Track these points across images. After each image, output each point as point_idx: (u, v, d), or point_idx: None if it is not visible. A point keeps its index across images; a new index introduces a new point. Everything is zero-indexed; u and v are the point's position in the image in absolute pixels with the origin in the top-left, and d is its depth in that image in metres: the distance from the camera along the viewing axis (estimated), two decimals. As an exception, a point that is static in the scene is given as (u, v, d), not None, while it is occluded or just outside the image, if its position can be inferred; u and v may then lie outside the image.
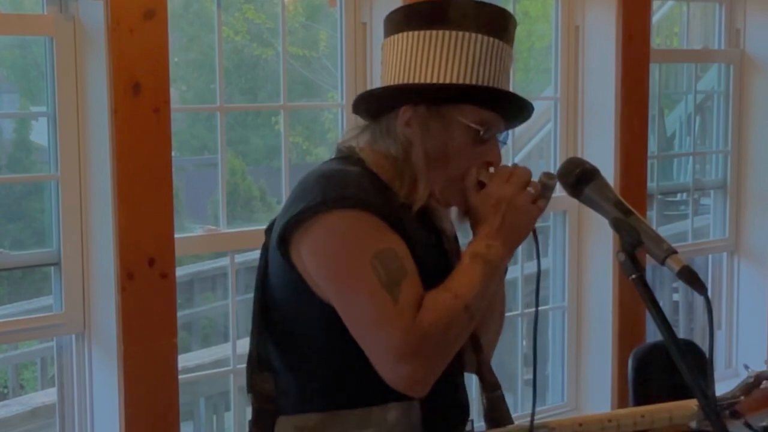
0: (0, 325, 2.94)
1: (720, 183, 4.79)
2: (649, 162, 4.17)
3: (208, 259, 5.69)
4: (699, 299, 4.83)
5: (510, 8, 4.04)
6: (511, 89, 1.84)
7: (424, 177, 1.77)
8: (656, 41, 4.99)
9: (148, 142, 2.84)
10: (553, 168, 3.16)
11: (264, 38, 7.14)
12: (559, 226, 4.13)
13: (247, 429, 1.88)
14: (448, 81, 1.75)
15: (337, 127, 3.55)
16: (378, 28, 3.42)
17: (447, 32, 1.75)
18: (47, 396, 4.41)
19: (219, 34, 3.22)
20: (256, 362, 1.86)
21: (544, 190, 1.77)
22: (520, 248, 3.85)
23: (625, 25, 3.96)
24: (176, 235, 2.91)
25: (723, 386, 4.90)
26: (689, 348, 3.79)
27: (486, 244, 1.74)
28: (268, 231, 1.85)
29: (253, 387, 1.85)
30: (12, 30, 2.97)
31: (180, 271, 4.38)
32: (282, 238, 1.74)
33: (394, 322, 1.65)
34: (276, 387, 1.83)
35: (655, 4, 4.25)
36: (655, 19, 4.54)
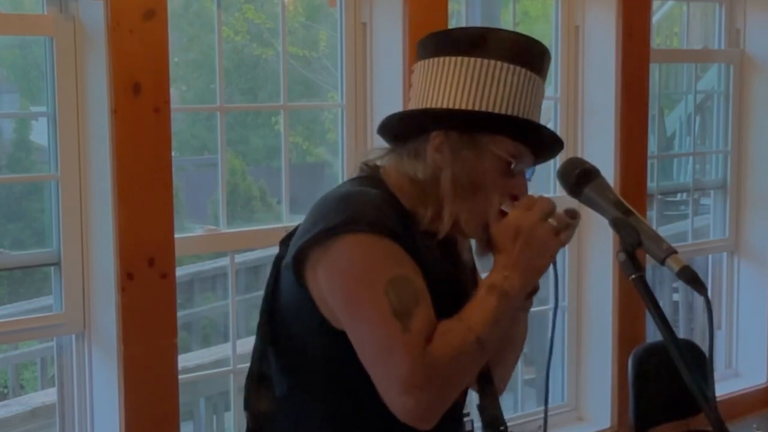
0: (0, 325, 2.94)
1: (720, 183, 4.79)
2: (649, 162, 4.17)
3: (208, 259, 5.69)
4: (699, 299, 4.83)
5: (510, 8, 4.04)
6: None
7: (449, 204, 1.73)
8: (656, 41, 4.99)
9: (148, 142, 2.84)
10: (553, 168, 3.15)
11: (264, 38, 7.14)
12: (559, 226, 4.13)
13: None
14: (485, 108, 1.72)
15: (336, 128, 3.55)
16: (378, 28, 3.42)
17: (485, 61, 1.72)
18: (47, 396, 4.40)
19: (219, 34, 3.22)
20: (257, 379, 1.83)
21: (567, 227, 1.73)
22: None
23: (625, 25, 3.96)
24: (176, 235, 2.91)
25: (723, 386, 4.90)
26: (689, 348, 3.79)
27: (503, 275, 1.70)
28: (283, 243, 1.82)
29: (250, 405, 1.83)
30: (12, 30, 2.97)
31: (180, 271, 4.38)
32: (298, 257, 1.71)
33: (403, 351, 1.62)
34: (274, 407, 1.81)
35: (655, 4, 4.25)
36: (655, 19, 4.54)
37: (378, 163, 1.82)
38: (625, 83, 3.99)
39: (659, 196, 4.81)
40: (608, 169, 3.92)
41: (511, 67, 1.73)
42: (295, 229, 1.80)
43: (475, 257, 1.84)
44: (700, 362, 3.53)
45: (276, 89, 3.47)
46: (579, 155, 3.31)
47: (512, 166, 1.74)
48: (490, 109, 1.71)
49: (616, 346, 4.06)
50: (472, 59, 1.73)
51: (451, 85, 1.73)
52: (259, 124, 7.71)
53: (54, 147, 2.87)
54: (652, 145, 4.45)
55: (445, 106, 1.73)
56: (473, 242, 1.83)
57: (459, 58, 1.73)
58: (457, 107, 1.72)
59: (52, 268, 2.94)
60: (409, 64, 3.33)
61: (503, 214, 1.73)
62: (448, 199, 1.73)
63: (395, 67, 3.36)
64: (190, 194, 6.80)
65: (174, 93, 3.00)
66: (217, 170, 3.28)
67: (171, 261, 2.89)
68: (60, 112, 2.85)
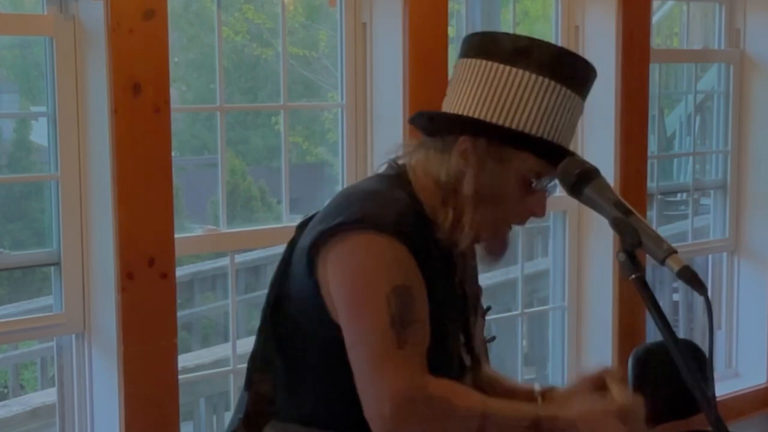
0: (0, 325, 2.94)
1: (720, 183, 4.78)
2: (649, 162, 4.17)
3: (208, 259, 5.69)
4: (699, 299, 4.82)
5: (510, 8, 4.04)
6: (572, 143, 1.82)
7: (470, 213, 1.74)
8: (656, 41, 4.99)
9: (148, 142, 2.84)
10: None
11: (264, 38, 7.14)
12: (559, 226, 4.13)
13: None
14: (516, 124, 1.72)
15: (336, 128, 3.55)
16: (378, 28, 3.42)
17: (527, 74, 1.72)
18: (47, 396, 4.40)
19: (219, 34, 3.22)
20: (260, 361, 1.84)
21: None
22: (520, 248, 3.86)
23: (625, 25, 3.96)
24: (176, 235, 2.91)
25: (723, 386, 4.90)
26: (689, 348, 3.79)
27: (553, 417, 1.69)
28: (300, 228, 1.82)
29: (252, 385, 1.84)
30: (12, 30, 2.97)
31: (180, 271, 4.38)
32: (313, 245, 1.71)
33: (393, 364, 1.62)
34: (274, 389, 1.81)
35: (655, 4, 4.25)
36: (655, 19, 4.54)
37: (404, 161, 1.82)
38: (625, 83, 3.99)
39: (659, 196, 4.81)
40: (608, 169, 3.92)
41: (551, 83, 1.73)
42: (314, 215, 1.80)
43: (479, 262, 1.85)
44: (700, 362, 3.53)
45: (276, 89, 3.48)
46: (579, 155, 3.31)
47: (533, 184, 1.75)
48: (521, 127, 1.72)
49: (616, 346, 4.06)
50: (514, 69, 1.73)
51: (488, 93, 1.73)
52: (259, 124, 7.71)
53: (54, 147, 2.87)
54: (652, 145, 4.45)
55: (477, 115, 1.73)
56: (479, 248, 1.84)
57: (501, 66, 1.73)
58: (489, 119, 1.72)
59: (52, 268, 2.94)
60: (410, 64, 3.34)
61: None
62: (468, 206, 1.74)
63: (395, 67, 3.36)
64: (190, 194, 6.79)
65: (174, 93, 3.00)
66: (217, 170, 3.28)
67: (171, 261, 2.89)
68: (60, 112, 2.85)
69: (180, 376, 2.97)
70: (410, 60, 3.33)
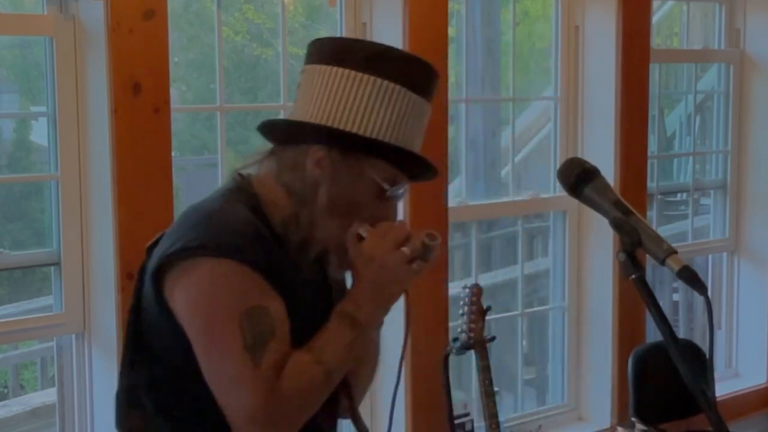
0: (0, 325, 2.94)
1: (720, 183, 4.79)
2: (649, 162, 4.17)
3: (207, 259, 5.67)
4: (699, 299, 4.83)
5: (510, 8, 4.04)
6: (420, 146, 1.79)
7: (322, 223, 1.71)
8: (656, 41, 4.98)
9: (148, 142, 2.84)
10: (554, 168, 3.16)
11: (264, 38, 7.14)
12: (559, 226, 4.13)
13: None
14: (369, 132, 1.69)
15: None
16: (378, 28, 3.42)
17: (378, 80, 1.70)
18: (47, 396, 4.41)
19: (219, 34, 3.22)
20: (125, 399, 1.80)
21: (425, 251, 1.72)
22: (519, 248, 3.86)
23: (625, 25, 3.96)
24: (176, 235, 2.91)
25: (723, 386, 4.90)
26: (689, 348, 3.80)
27: (355, 304, 1.70)
28: (148, 251, 1.77)
29: (122, 424, 1.80)
30: (12, 30, 2.97)
31: (180, 271, 4.37)
32: (157, 272, 1.68)
33: (251, 385, 1.61)
34: (145, 423, 1.77)
35: (655, 4, 4.26)
36: (655, 19, 4.54)
37: (252, 172, 1.78)
38: (625, 83, 3.99)
39: (659, 196, 4.81)
40: (608, 169, 3.92)
41: (402, 90, 1.71)
42: (161, 236, 1.76)
43: (331, 273, 1.81)
44: (700, 362, 3.53)
45: (276, 89, 3.48)
46: (579, 155, 3.31)
47: (387, 192, 1.73)
48: (374, 134, 1.70)
49: (616, 346, 4.06)
50: (365, 76, 1.70)
51: (340, 101, 1.70)
52: (259, 124, 7.70)
53: (54, 147, 2.87)
54: (652, 145, 4.45)
55: (331, 123, 1.70)
56: (332, 260, 1.80)
57: (353, 73, 1.71)
58: (341, 126, 1.69)
59: (52, 268, 2.94)
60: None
61: (360, 238, 1.71)
62: (322, 217, 1.71)
63: (395, 67, 3.36)
64: (190, 194, 6.79)
65: (174, 93, 3.00)
66: (217, 170, 3.28)
67: (171, 261, 2.89)
68: (60, 112, 2.85)
69: (180, 376, 2.96)
70: (410, 60, 3.33)
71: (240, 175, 1.79)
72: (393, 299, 1.73)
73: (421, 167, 1.78)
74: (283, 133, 1.78)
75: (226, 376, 1.64)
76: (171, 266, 1.67)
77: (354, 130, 1.70)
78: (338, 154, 1.71)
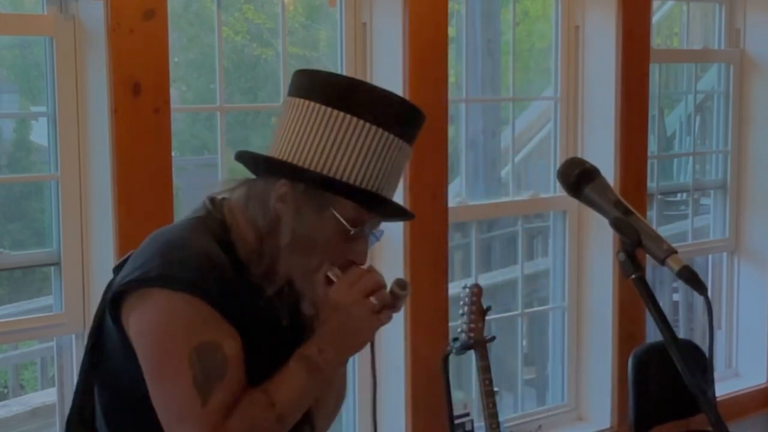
0: (0, 325, 2.94)
1: (720, 183, 4.79)
2: (649, 162, 4.17)
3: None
4: (699, 299, 4.83)
5: (510, 8, 4.04)
6: (396, 191, 1.75)
7: (284, 260, 1.68)
8: (656, 41, 4.98)
9: (148, 142, 2.84)
10: (554, 168, 3.15)
11: (264, 38, 7.14)
12: (559, 226, 4.13)
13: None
14: (334, 171, 1.65)
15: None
16: (378, 28, 3.42)
17: (349, 117, 1.65)
18: (47, 396, 4.41)
19: (219, 34, 3.22)
20: (78, 420, 1.79)
21: (394, 300, 1.69)
22: (519, 248, 3.87)
23: (625, 25, 3.96)
24: (176, 235, 2.91)
25: (723, 386, 4.89)
26: (689, 348, 3.79)
27: (318, 348, 1.67)
28: (116, 271, 1.76)
29: None
30: (12, 30, 2.97)
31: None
32: (114, 299, 1.67)
33: (196, 423, 1.59)
34: None
35: (655, 4, 4.26)
36: (655, 19, 4.54)
37: (225, 197, 1.76)
38: (625, 83, 3.99)
39: (659, 196, 4.80)
40: (608, 169, 3.92)
41: (374, 129, 1.66)
42: (128, 256, 1.75)
43: (304, 313, 1.76)
44: (700, 362, 3.53)
45: (276, 89, 3.47)
46: (579, 155, 3.32)
47: (351, 233, 1.68)
48: (341, 172, 1.65)
49: (616, 346, 4.06)
50: (336, 112, 1.66)
51: (308, 136, 1.67)
52: (259, 124, 7.70)
53: (54, 147, 2.87)
54: (652, 145, 4.45)
55: (296, 159, 1.67)
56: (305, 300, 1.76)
57: (325, 108, 1.66)
58: (307, 164, 1.66)
59: (52, 268, 2.94)
60: (410, 64, 3.34)
61: (329, 281, 1.68)
62: (283, 253, 1.68)
63: (395, 67, 3.36)
64: (190, 194, 6.79)
65: (174, 93, 3.00)
66: (217, 170, 3.28)
67: (171, 261, 2.89)
68: (60, 112, 2.85)
69: (180, 376, 2.96)
70: (410, 60, 3.33)
71: (212, 200, 1.77)
72: (356, 348, 1.70)
73: (394, 212, 1.75)
74: (254, 166, 1.76)
75: (173, 413, 1.62)
76: (128, 293, 1.65)
77: (317, 168, 1.66)
78: (302, 191, 1.67)
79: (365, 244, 1.73)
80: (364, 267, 1.71)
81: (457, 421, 3.32)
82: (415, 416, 3.45)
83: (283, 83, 3.36)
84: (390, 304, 1.69)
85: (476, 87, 4.76)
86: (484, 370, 3.17)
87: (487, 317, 3.23)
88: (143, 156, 2.83)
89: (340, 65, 3.46)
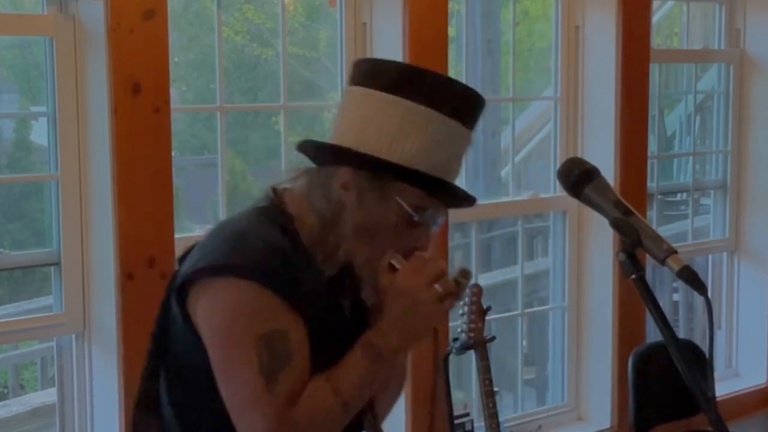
0: (0, 325, 2.94)
1: (720, 183, 4.79)
2: (649, 162, 4.17)
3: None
4: (699, 299, 4.82)
5: (510, 8, 4.04)
6: (460, 175, 1.76)
7: (346, 244, 1.69)
8: (656, 41, 4.98)
9: (148, 142, 2.84)
10: (554, 168, 3.15)
11: (264, 38, 7.14)
12: (559, 226, 4.13)
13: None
14: (398, 157, 1.66)
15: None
16: (378, 28, 3.42)
17: (412, 104, 1.66)
18: (47, 396, 4.41)
19: (219, 34, 3.22)
20: (144, 405, 1.80)
21: (457, 288, 1.70)
22: (519, 248, 3.87)
23: (625, 25, 3.96)
24: (176, 235, 2.91)
25: (723, 386, 4.90)
26: (689, 348, 3.79)
27: (381, 336, 1.67)
28: (180, 261, 1.78)
29: (137, 427, 1.81)
30: (12, 30, 2.97)
31: (180, 271, 4.37)
32: (181, 287, 1.69)
33: (263, 410, 1.60)
34: None
35: (655, 4, 4.26)
36: (655, 19, 4.54)
37: (288, 187, 1.77)
38: (625, 83, 3.99)
39: (659, 196, 4.81)
40: (608, 169, 3.92)
41: (437, 115, 1.67)
42: (192, 247, 1.76)
43: (366, 300, 1.77)
44: (700, 362, 3.53)
45: (276, 89, 3.47)
46: (579, 155, 3.31)
47: (414, 218, 1.69)
48: (405, 158, 1.66)
49: (616, 346, 4.06)
50: (399, 99, 1.67)
51: (371, 123, 1.68)
52: (259, 124, 7.70)
53: (54, 147, 2.87)
54: (652, 145, 4.45)
55: (359, 146, 1.68)
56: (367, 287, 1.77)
57: (387, 96, 1.67)
58: (369, 150, 1.67)
59: (52, 268, 2.94)
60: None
61: (392, 268, 1.69)
62: (346, 240, 1.69)
63: (395, 67, 3.36)
64: (190, 194, 6.79)
65: (174, 93, 3.00)
66: (217, 170, 3.28)
67: (171, 261, 2.89)
68: (60, 112, 2.85)
69: (180, 376, 2.96)
70: (410, 60, 3.33)
71: (274, 190, 1.78)
72: (420, 335, 1.71)
73: (458, 198, 1.75)
74: (316, 155, 1.77)
75: (240, 399, 1.63)
76: (195, 282, 1.67)
77: (381, 155, 1.67)
78: (365, 177, 1.68)
79: (428, 231, 1.74)
80: (427, 254, 1.72)
81: (457, 421, 3.32)
82: (415, 416, 3.45)
83: (283, 83, 3.36)
84: (454, 292, 1.69)
85: (476, 87, 4.75)
86: (484, 370, 3.17)
87: (487, 317, 3.23)
88: (143, 156, 2.83)
89: (340, 65, 3.46)
